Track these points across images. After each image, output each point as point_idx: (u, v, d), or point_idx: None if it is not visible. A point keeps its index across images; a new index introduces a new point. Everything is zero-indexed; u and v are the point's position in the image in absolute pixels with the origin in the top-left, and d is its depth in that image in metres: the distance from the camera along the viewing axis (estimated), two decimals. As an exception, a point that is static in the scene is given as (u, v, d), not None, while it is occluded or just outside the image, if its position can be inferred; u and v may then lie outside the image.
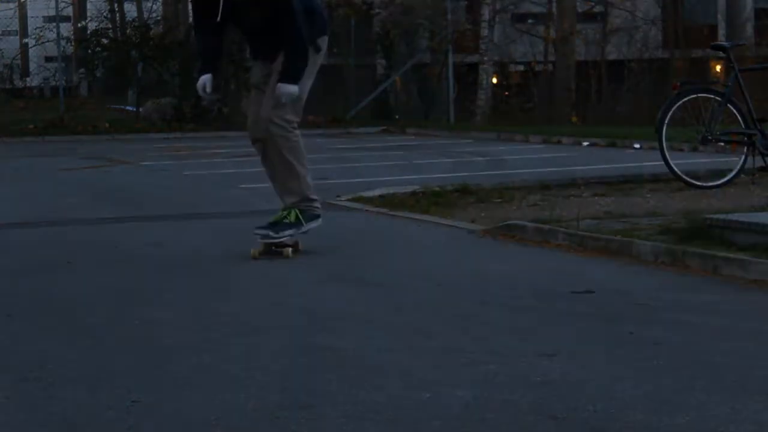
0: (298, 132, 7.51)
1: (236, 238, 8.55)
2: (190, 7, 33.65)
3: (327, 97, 27.09)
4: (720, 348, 4.88)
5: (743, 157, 11.06)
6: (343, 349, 4.97)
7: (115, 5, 32.38)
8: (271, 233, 7.40)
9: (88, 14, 34.33)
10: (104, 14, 32.37)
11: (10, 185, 13.61)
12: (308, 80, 7.49)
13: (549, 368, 4.55)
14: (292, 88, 7.37)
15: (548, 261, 7.25)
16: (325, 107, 26.44)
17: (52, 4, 27.56)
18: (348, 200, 10.50)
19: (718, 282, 6.39)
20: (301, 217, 7.47)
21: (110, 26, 31.63)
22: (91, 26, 31.92)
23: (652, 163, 12.44)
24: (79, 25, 35.72)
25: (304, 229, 7.50)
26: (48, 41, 30.46)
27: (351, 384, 4.39)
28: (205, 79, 7.54)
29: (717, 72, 27.38)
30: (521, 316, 5.63)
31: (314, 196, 7.58)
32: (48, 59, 32.87)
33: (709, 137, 11.05)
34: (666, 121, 10.86)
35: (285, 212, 7.48)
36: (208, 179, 13.29)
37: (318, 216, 7.59)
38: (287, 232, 7.42)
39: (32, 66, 34.16)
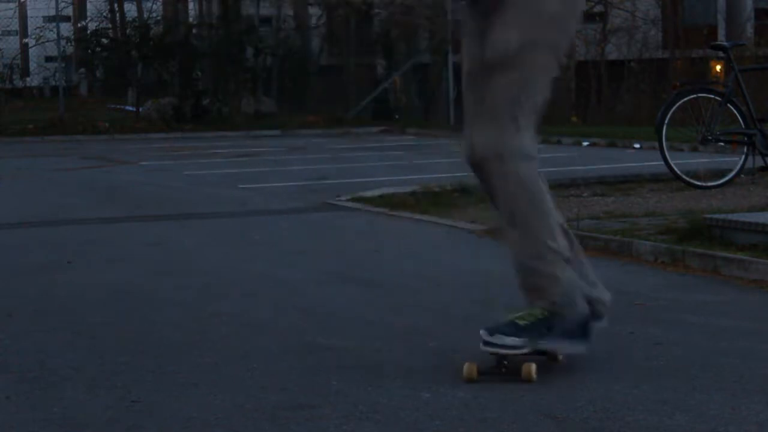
0: (535, 157, 4.31)
1: (235, 237, 8.55)
2: (191, 6, 33.53)
3: (327, 97, 27.10)
4: (720, 348, 4.88)
5: (743, 157, 11.06)
6: (343, 349, 4.96)
7: (115, 5, 32.36)
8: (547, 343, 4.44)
9: (88, 14, 34.33)
10: (104, 14, 32.38)
11: (10, 185, 13.60)
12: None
13: (549, 368, 4.55)
14: None
15: (548, 261, 7.23)
16: (325, 107, 26.45)
17: (52, 4, 27.55)
18: (348, 200, 10.50)
19: (718, 282, 6.39)
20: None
21: (110, 26, 31.65)
22: (91, 26, 31.94)
23: (652, 163, 12.44)
24: (79, 25, 35.71)
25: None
26: (48, 41, 30.44)
27: (351, 384, 4.38)
28: None
29: (717, 72, 27.35)
30: (521, 316, 5.61)
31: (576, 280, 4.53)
32: (48, 59, 32.86)
33: (709, 137, 11.05)
34: (666, 121, 10.86)
35: (534, 309, 4.55)
36: (208, 179, 13.28)
37: (601, 316, 4.57)
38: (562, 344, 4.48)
39: (32, 66, 34.17)
